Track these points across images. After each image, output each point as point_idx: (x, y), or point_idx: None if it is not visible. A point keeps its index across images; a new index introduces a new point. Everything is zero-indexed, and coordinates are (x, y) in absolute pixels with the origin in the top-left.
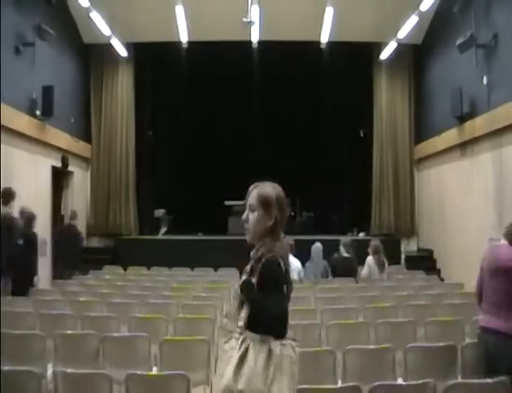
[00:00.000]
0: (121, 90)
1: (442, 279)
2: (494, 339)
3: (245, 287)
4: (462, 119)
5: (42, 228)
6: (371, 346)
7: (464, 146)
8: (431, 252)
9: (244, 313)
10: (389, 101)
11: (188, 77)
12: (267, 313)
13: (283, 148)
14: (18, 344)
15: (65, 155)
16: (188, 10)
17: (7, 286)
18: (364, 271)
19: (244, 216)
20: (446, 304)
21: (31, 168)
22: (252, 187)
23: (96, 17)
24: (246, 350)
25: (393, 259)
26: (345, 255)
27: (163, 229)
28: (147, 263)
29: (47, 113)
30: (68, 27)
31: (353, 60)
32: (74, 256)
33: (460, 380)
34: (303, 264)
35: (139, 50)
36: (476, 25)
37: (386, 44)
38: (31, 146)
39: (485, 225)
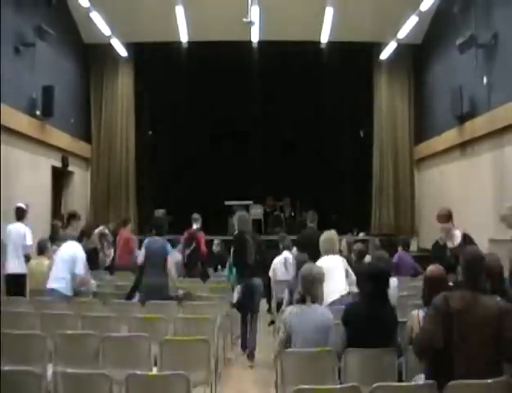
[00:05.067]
0: (121, 90)
1: None
2: None
3: None
4: (462, 119)
5: (42, 228)
6: None
7: (464, 146)
8: (431, 252)
9: None
10: (389, 101)
11: (188, 77)
12: None
13: (283, 148)
14: (18, 344)
15: (65, 155)
16: (188, 10)
17: None
18: None
19: None
20: None
21: (31, 168)
22: None
23: (96, 17)
24: None
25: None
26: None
27: None
28: None
29: (47, 113)
30: (68, 27)
31: (353, 60)
32: None
33: (460, 380)
34: None
35: (139, 50)
36: (476, 25)
37: (386, 44)
38: (31, 146)
39: (485, 225)
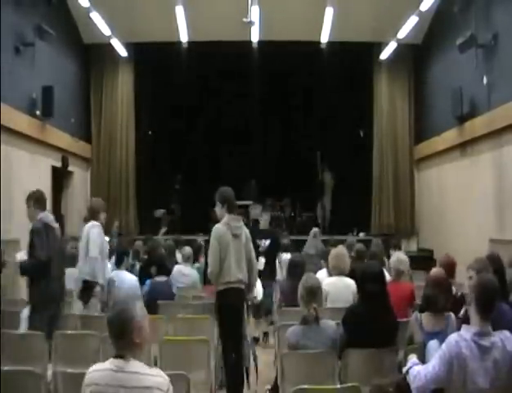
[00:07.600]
0: (121, 90)
1: None
2: None
3: None
4: (462, 119)
5: None
6: None
7: (464, 146)
8: (431, 252)
9: None
10: (389, 101)
11: (188, 77)
12: None
13: (283, 148)
14: (18, 344)
15: (65, 155)
16: (188, 10)
17: None
18: None
19: None
20: None
21: (31, 168)
22: None
23: (96, 17)
24: None
25: None
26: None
27: (163, 229)
28: None
29: (47, 113)
30: (68, 27)
31: (353, 60)
32: None
33: None
34: None
35: (139, 50)
36: (476, 25)
37: (386, 44)
38: (31, 146)
39: (485, 225)
